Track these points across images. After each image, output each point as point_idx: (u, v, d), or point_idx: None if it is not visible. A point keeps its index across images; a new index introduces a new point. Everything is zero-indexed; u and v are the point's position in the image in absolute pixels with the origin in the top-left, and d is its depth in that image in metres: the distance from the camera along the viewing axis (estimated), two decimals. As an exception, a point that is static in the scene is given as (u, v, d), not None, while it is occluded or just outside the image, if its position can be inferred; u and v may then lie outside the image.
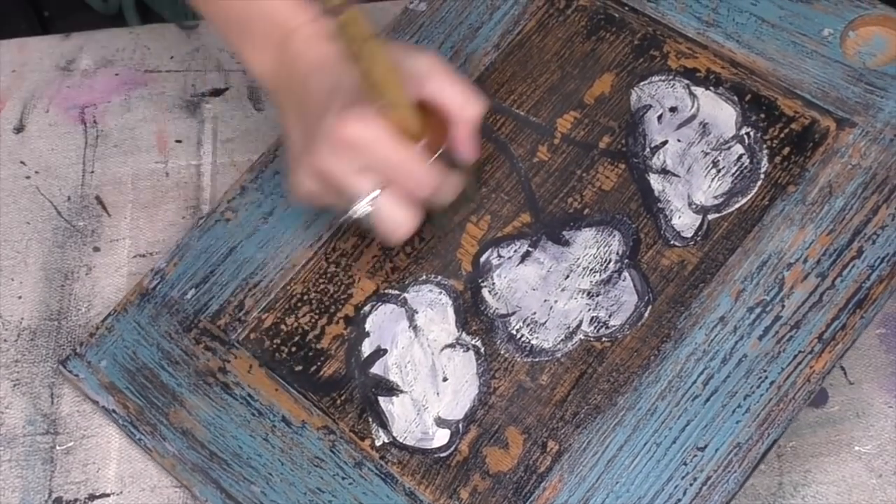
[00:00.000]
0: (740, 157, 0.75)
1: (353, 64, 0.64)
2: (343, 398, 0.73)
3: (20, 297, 0.83)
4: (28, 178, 0.88)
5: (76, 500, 0.75)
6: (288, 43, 0.72)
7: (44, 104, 0.90)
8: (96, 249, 0.84)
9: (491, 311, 0.74)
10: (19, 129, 0.90)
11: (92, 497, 0.75)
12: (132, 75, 0.91)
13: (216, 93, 0.90)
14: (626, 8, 0.81)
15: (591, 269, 0.74)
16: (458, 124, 0.69)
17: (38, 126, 0.90)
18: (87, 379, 0.76)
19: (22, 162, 0.88)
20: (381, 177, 0.67)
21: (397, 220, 0.69)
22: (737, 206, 0.74)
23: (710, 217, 0.74)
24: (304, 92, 0.70)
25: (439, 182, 0.69)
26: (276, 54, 0.72)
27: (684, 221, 0.74)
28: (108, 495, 0.75)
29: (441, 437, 0.71)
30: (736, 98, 0.77)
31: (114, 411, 0.75)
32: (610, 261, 0.74)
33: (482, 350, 0.73)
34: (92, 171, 0.87)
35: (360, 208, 0.68)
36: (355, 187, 0.68)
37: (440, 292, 0.75)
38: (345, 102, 0.67)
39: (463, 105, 0.69)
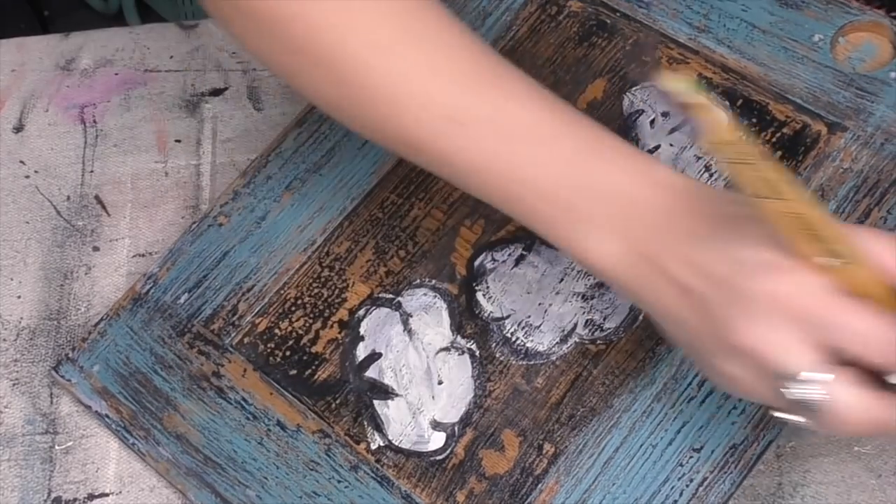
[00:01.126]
0: (733, 161, 0.76)
1: (759, 208, 0.50)
2: (338, 402, 0.73)
3: (19, 297, 0.82)
4: (27, 177, 0.87)
5: (75, 499, 0.74)
6: (631, 217, 0.57)
7: (43, 103, 0.90)
8: (96, 249, 0.84)
9: (486, 314, 0.74)
10: (18, 128, 0.89)
11: (91, 497, 0.74)
12: (132, 75, 0.91)
13: (216, 92, 0.90)
14: (618, 14, 0.82)
15: (586, 273, 0.74)
16: None
17: (37, 125, 0.89)
18: (80, 384, 0.76)
19: (21, 161, 0.88)
20: (826, 347, 0.51)
21: (849, 404, 0.51)
22: (730, 209, 0.74)
23: (703, 220, 0.74)
24: (686, 280, 0.55)
25: None
26: (624, 234, 0.57)
27: (678, 225, 0.74)
28: (107, 495, 0.74)
29: (437, 440, 0.71)
30: (727, 103, 0.77)
31: (107, 416, 0.75)
32: (604, 264, 0.74)
33: (477, 353, 0.73)
34: (91, 171, 0.87)
35: (800, 390, 0.51)
36: (792, 360, 0.51)
37: (435, 296, 0.75)
38: (760, 258, 0.52)
39: None
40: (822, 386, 0.51)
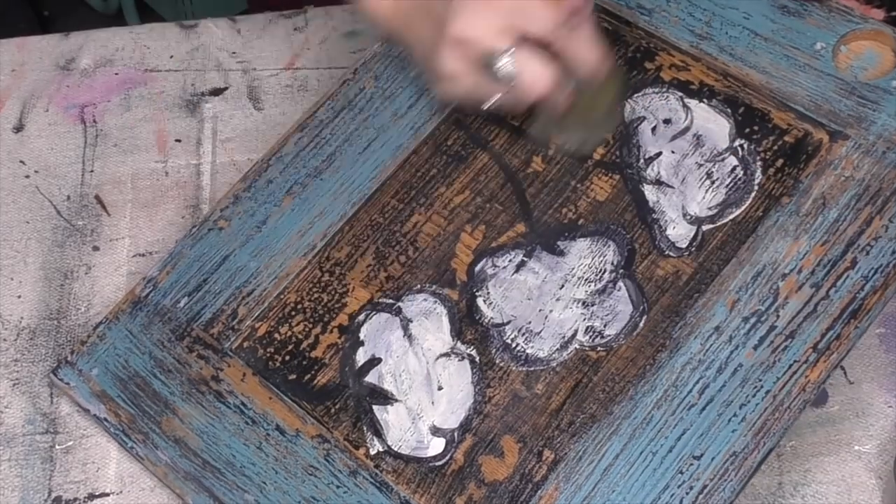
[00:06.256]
0: (734, 168, 0.76)
1: None
2: (337, 407, 0.72)
3: (20, 297, 0.82)
4: (27, 177, 0.87)
5: (76, 499, 0.74)
6: None
7: (43, 103, 0.90)
8: (96, 249, 0.84)
9: (486, 320, 0.74)
10: (19, 128, 0.89)
11: (91, 496, 0.74)
12: (132, 74, 0.91)
13: (216, 92, 0.90)
14: (620, 21, 0.82)
15: (586, 279, 0.74)
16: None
17: (37, 125, 0.89)
18: (79, 387, 0.76)
19: (21, 161, 0.88)
20: (517, 30, 0.69)
21: (537, 69, 0.70)
22: (731, 217, 0.74)
23: (704, 228, 0.74)
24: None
25: (572, 39, 0.71)
26: None
27: (679, 232, 0.74)
28: (107, 495, 0.74)
29: (436, 445, 0.70)
30: (729, 110, 0.77)
31: (105, 420, 0.75)
32: (605, 271, 0.74)
33: (477, 359, 0.73)
34: (91, 171, 0.87)
35: (503, 66, 0.69)
36: (495, 46, 0.69)
37: (435, 301, 0.75)
38: None
39: None
40: (516, 58, 0.70)
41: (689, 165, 0.76)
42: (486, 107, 0.73)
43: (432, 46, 0.72)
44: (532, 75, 0.70)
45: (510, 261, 0.75)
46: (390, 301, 0.75)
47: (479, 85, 0.72)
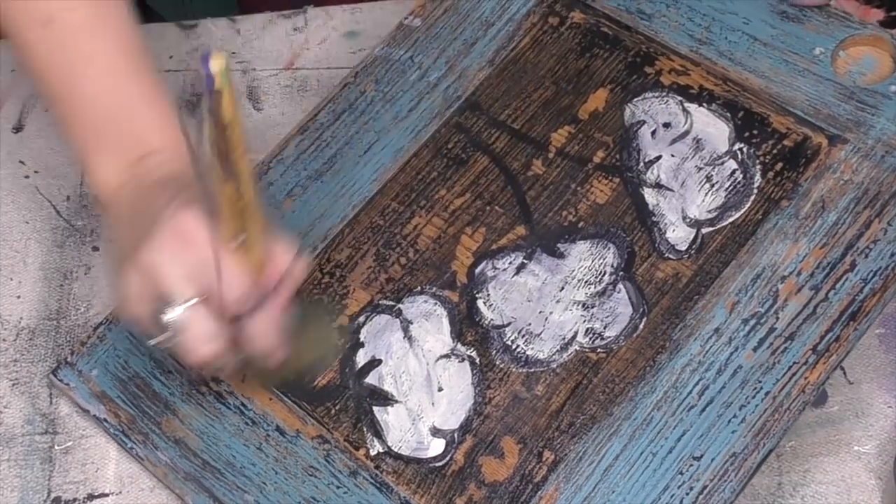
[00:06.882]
0: (733, 172, 0.76)
1: (217, 180, 0.61)
2: (338, 408, 0.73)
3: (19, 297, 0.82)
4: (27, 177, 0.87)
5: (75, 499, 0.74)
6: (146, 159, 0.69)
7: (43, 103, 0.90)
8: (95, 249, 0.84)
9: (486, 321, 0.74)
10: (18, 128, 0.89)
11: (91, 497, 0.74)
12: (132, 74, 0.91)
13: (216, 92, 0.90)
14: (620, 26, 0.82)
15: (586, 281, 0.74)
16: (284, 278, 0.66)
17: (37, 125, 0.89)
18: (78, 388, 0.76)
19: (21, 161, 0.88)
20: (202, 286, 0.63)
21: (206, 334, 0.64)
22: (730, 220, 0.74)
23: (704, 231, 0.74)
24: (146, 204, 0.67)
25: (254, 317, 0.65)
26: (127, 167, 0.70)
27: (678, 235, 0.75)
28: (106, 495, 0.74)
29: (436, 446, 0.71)
30: (729, 114, 0.78)
31: (105, 420, 0.74)
32: (605, 273, 0.74)
33: (477, 360, 0.73)
34: (91, 171, 0.87)
35: (175, 314, 0.63)
36: (176, 289, 0.63)
37: (435, 303, 0.75)
38: (187, 203, 0.64)
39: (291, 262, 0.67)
40: (187, 313, 0.63)
41: (688, 169, 0.77)
42: (150, 342, 0.66)
43: (125, 257, 0.66)
44: (196, 338, 0.64)
45: (510, 263, 0.75)
46: (391, 303, 0.75)
47: (151, 319, 0.65)
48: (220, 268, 0.62)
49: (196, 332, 0.64)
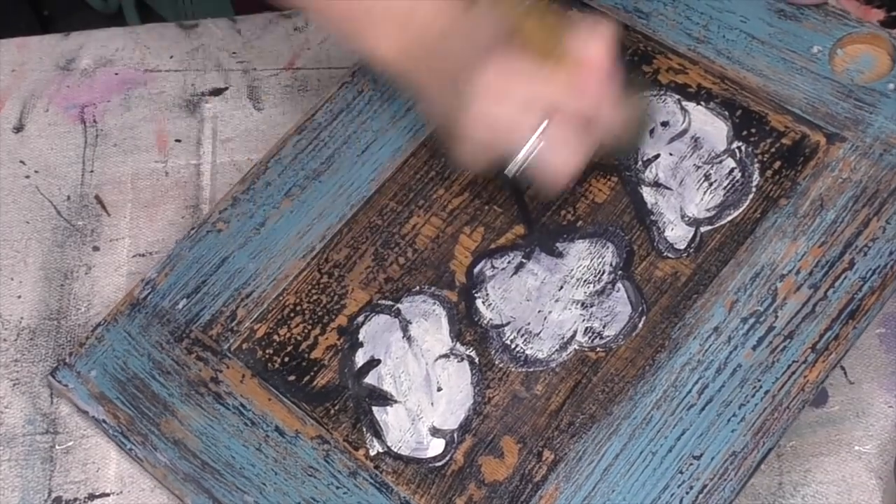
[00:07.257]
0: (732, 170, 0.76)
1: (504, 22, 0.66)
2: (337, 408, 0.72)
3: (20, 297, 0.82)
4: (27, 177, 0.87)
5: (76, 499, 0.74)
6: (410, 19, 0.70)
7: (43, 103, 0.90)
8: (96, 249, 0.84)
9: (485, 321, 0.74)
10: (19, 128, 0.89)
11: (92, 497, 0.74)
12: (132, 74, 0.91)
13: (216, 92, 0.90)
14: (618, 24, 0.82)
15: (585, 281, 0.74)
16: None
17: (37, 125, 0.89)
18: (77, 389, 0.76)
19: (21, 161, 0.88)
20: (546, 105, 0.66)
21: (568, 150, 0.67)
22: (729, 218, 0.74)
23: (702, 229, 0.74)
24: (443, 59, 0.69)
25: (604, 99, 0.68)
26: (400, 33, 0.70)
27: (677, 233, 0.75)
28: (107, 495, 0.74)
29: (436, 446, 0.71)
30: (727, 113, 0.78)
31: (104, 421, 0.74)
32: (604, 272, 0.74)
33: (476, 360, 0.73)
34: (91, 171, 0.87)
35: (532, 144, 0.67)
36: (523, 125, 0.67)
37: (434, 303, 0.75)
38: (492, 48, 0.67)
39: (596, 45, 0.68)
40: (540, 136, 0.66)
41: (687, 167, 0.77)
42: (508, 171, 0.69)
43: (452, 112, 0.69)
44: (559, 163, 0.68)
45: (509, 262, 0.75)
46: (389, 303, 0.75)
47: (505, 153, 0.69)
48: (557, 80, 0.66)
49: (558, 147, 0.67)
